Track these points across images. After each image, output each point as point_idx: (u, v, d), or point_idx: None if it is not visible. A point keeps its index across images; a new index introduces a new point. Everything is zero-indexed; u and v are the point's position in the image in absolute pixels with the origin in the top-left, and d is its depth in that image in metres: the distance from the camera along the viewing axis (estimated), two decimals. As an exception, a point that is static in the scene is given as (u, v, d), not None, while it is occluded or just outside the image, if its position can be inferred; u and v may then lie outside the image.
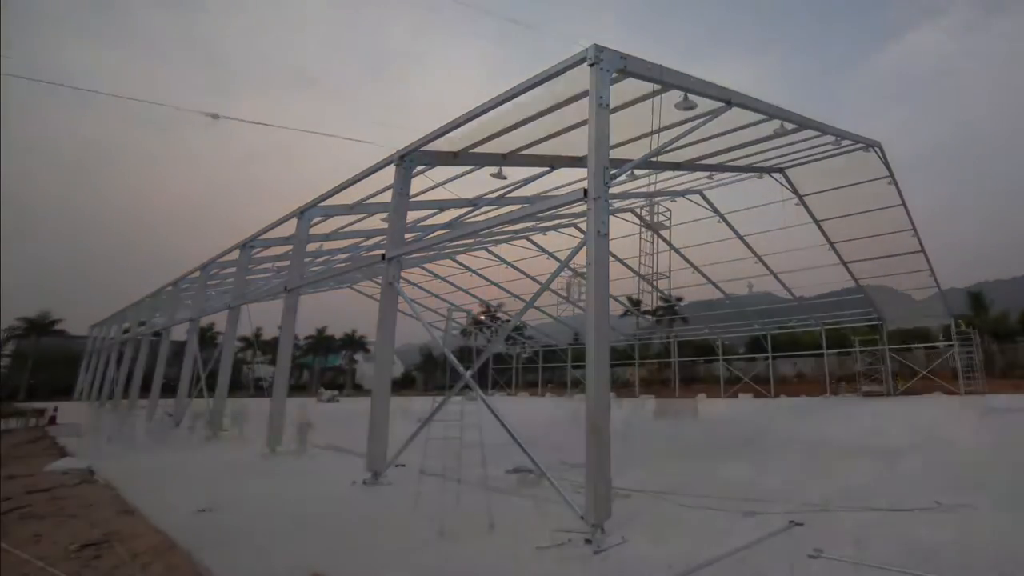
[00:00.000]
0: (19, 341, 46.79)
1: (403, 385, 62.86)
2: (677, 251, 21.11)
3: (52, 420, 17.21)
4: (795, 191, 15.57)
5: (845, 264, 19.89)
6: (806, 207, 16.37)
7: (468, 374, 5.89)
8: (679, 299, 30.59)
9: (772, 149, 11.69)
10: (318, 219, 10.76)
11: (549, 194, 11.31)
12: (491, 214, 12.19)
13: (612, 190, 4.89)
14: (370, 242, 15.23)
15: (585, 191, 4.65)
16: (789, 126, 9.29)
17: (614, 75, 5.21)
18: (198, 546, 4.09)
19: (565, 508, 4.89)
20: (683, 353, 37.20)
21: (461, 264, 25.21)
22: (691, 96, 6.87)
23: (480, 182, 10.40)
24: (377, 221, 12.41)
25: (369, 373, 60.61)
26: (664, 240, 20.30)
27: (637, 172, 11.67)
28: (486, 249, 22.59)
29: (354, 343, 62.96)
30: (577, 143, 8.45)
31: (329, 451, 9.61)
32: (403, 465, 7.43)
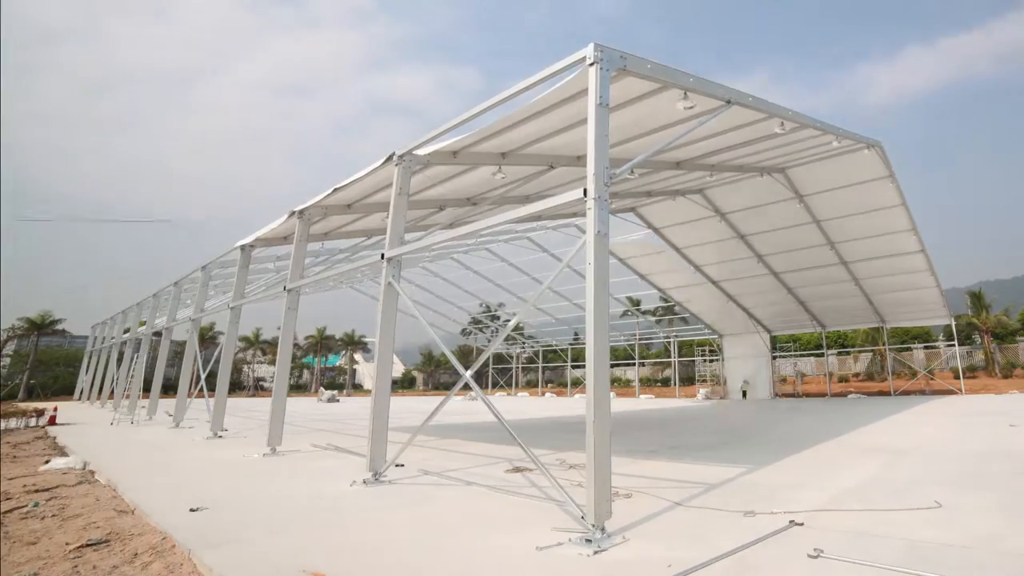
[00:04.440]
0: (19, 341, 46.81)
1: (403, 385, 62.96)
2: (678, 250, 21.14)
3: (52, 420, 17.21)
4: (795, 191, 15.60)
5: (846, 264, 19.91)
6: (807, 207, 16.41)
7: (468, 373, 5.88)
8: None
9: (772, 148, 11.70)
10: (318, 219, 10.76)
11: (549, 193, 11.32)
12: (491, 213, 12.20)
13: (612, 189, 4.89)
14: (370, 242, 15.24)
15: (585, 191, 4.64)
16: (789, 125, 9.29)
17: (614, 74, 5.21)
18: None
19: (565, 507, 4.90)
20: (683, 353, 37.21)
21: (461, 263, 25.24)
22: (691, 95, 6.87)
23: (480, 181, 10.42)
24: (377, 221, 12.42)
25: (369, 373, 60.69)
26: (666, 240, 20.36)
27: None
28: (486, 249, 22.61)
29: (354, 343, 63.06)
30: (577, 142, 8.46)
31: (329, 450, 9.63)
32: (403, 465, 7.45)
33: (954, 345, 26.32)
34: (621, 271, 23.78)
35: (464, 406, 25.90)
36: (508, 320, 36.81)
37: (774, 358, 28.61)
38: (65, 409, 23.06)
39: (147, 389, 19.84)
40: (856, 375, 39.06)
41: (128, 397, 21.12)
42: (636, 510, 4.88)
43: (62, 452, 10.72)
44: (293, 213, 10.11)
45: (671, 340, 35.18)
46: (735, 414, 17.84)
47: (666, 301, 31.33)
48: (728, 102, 7.05)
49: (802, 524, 4.31)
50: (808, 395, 28.84)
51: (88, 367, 34.02)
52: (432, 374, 64.33)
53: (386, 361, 7.14)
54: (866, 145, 12.50)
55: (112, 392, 23.58)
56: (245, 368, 58.75)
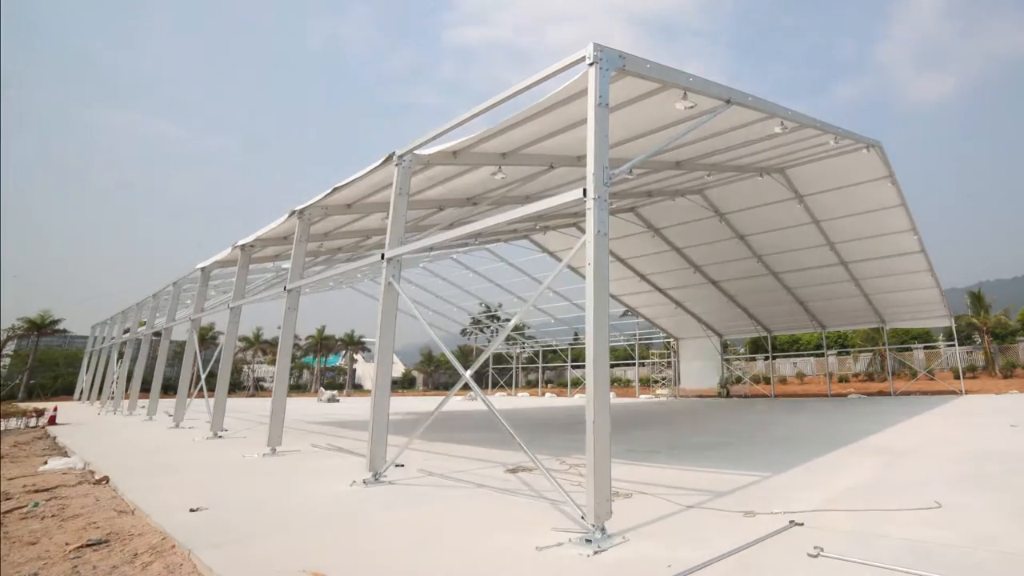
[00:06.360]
0: (19, 341, 46.80)
1: (403, 385, 62.95)
2: (678, 251, 21.14)
3: (52, 420, 17.21)
4: (795, 191, 15.60)
5: (845, 264, 19.91)
6: (806, 207, 16.41)
7: (468, 374, 5.88)
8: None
9: (772, 148, 11.70)
10: (318, 219, 10.76)
11: (549, 193, 11.32)
12: (491, 214, 12.20)
13: (612, 189, 4.89)
14: (370, 242, 15.25)
15: (585, 191, 4.64)
16: (789, 125, 9.30)
17: (613, 74, 5.21)
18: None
19: (565, 507, 4.90)
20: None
21: (461, 263, 25.24)
22: (691, 95, 6.87)
23: (480, 181, 10.42)
24: (377, 220, 12.42)
25: (369, 373, 60.69)
26: (666, 240, 20.36)
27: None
28: (486, 249, 22.61)
29: (354, 343, 63.06)
30: (577, 143, 8.46)
31: (329, 450, 9.63)
32: (402, 465, 7.45)
33: (954, 345, 26.32)
34: (622, 271, 23.79)
35: (464, 406, 25.91)
36: (508, 320, 36.81)
37: (725, 360, 31.53)
38: (65, 409, 23.06)
39: (147, 389, 19.84)
40: (856, 375, 39.06)
41: (128, 398, 21.15)
42: (636, 510, 4.88)
43: (62, 452, 10.72)
44: (293, 213, 10.11)
45: (671, 340, 35.14)
46: (730, 414, 17.84)
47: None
48: (728, 102, 7.05)
49: (802, 524, 4.31)
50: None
51: (88, 367, 34.02)
52: (432, 374, 64.32)
53: (386, 361, 7.14)
54: (866, 145, 12.51)
55: (113, 393, 23.57)
56: (245, 368, 58.74)
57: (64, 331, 48.67)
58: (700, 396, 30.73)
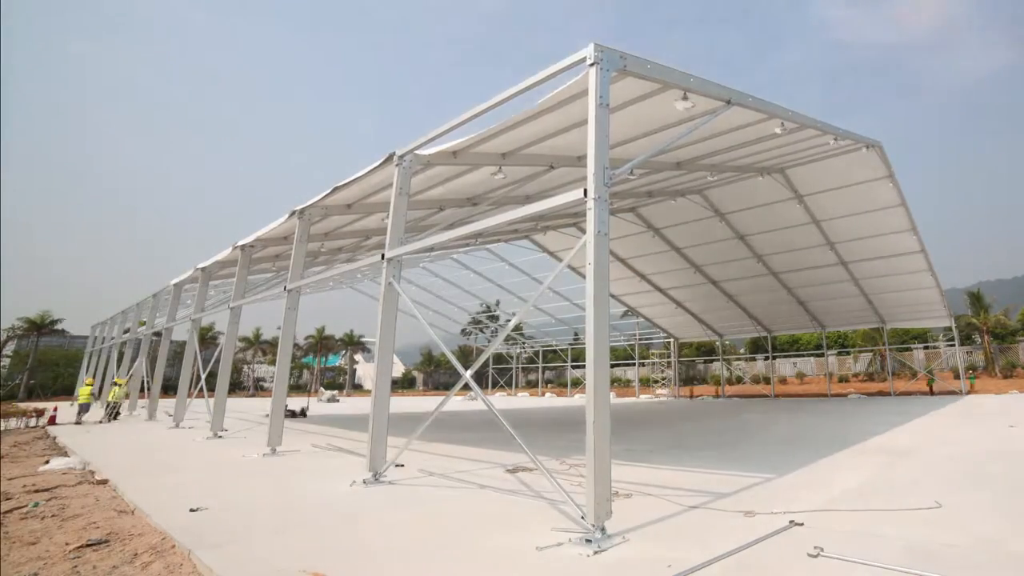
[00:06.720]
0: (19, 341, 46.79)
1: (403, 385, 62.94)
2: (678, 251, 21.14)
3: (52, 420, 17.22)
4: (795, 191, 15.59)
5: (845, 264, 19.90)
6: (806, 207, 16.40)
7: (468, 374, 5.88)
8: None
9: (772, 149, 11.70)
10: (318, 219, 10.76)
11: (550, 194, 11.31)
12: (491, 214, 12.19)
13: (613, 189, 4.89)
14: (370, 242, 15.24)
15: (585, 191, 4.64)
16: (789, 125, 9.30)
17: (614, 75, 5.21)
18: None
19: (565, 507, 4.90)
20: (683, 353, 37.18)
21: (461, 263, 25.24)
22: (691, 95, 6.87)
23: (480, 182, 10.41)
24: (378, 221, 12.42)
25: (369, 373, 60.69)
26: (666, 240, 20.35)
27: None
28: (486, 249, 22.62)
29: (354, 343, 63.05)
30: (577, 143, 8.46)
31: (329, 450, 9.63)
32: (402, 465, 7.45)
33: (954, 345, 26.31)
34: (622, 271, 23.80)
35: (464, 406, 25.91)
36: (508, 320, 36.79)
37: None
38: (65, 409, 23.04)
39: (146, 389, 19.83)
40: (856, 375, 39.06)
41: (128, 398, 21.13)
42: (636, 510, 4.88)
43: (62, 452, 10.72)
44: (293, 213, 10.11)
45: (671, 340, 35.13)
46: (730, 414, 17.85)
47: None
48: (728, 102, 7.05)
49: (802, 524, 4.31)
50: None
51: (88, 367, 33.99)
52: (432, 374, 64.29)
53: (386, 361, 7.13)
54: (865, 145, 12.51)
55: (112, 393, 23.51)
56: (245, 368, 58.72)
57: (64, 331, 48.68)
58: (699, 396, 30.75)
